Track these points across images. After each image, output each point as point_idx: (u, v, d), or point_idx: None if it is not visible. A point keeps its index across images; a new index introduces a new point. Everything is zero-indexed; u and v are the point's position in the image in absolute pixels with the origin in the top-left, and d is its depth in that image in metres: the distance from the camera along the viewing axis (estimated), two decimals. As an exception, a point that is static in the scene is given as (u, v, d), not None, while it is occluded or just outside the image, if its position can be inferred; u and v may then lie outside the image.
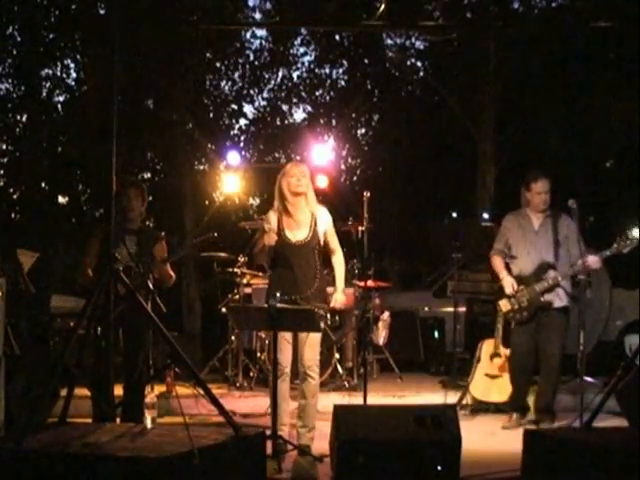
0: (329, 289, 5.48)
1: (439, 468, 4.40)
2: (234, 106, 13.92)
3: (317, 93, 15.24)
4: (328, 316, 7.73)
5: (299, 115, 15.31)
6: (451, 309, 8.53)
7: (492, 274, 6.60)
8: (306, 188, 5.30)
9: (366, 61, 14.93)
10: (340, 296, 5.38)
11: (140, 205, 5.72)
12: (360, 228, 7.25)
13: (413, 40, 13.63)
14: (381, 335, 8.25)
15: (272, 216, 5.34)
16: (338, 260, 5.43)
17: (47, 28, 12.60)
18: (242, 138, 14.46)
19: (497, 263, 6.19)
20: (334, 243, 5.41)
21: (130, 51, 8.99)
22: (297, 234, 5.28)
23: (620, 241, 5.80)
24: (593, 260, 5.87)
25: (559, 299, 6.01)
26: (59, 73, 13.33)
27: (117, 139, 4.52)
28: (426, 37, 13.31)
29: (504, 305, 6.09)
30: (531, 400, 6.21)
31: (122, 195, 5.47)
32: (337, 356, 7.63)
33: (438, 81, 12.92)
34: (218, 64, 13.08)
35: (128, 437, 3.82)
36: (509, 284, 6.01)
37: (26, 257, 6.30)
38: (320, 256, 5.34)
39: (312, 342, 5.22)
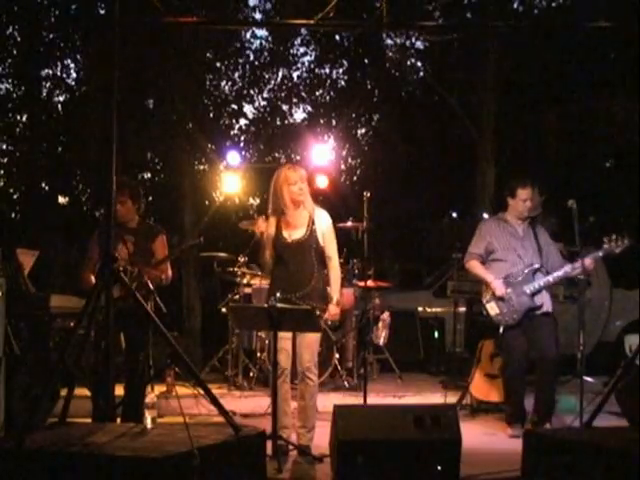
0: (328, 288, 5.48)
1: (439, 468, 4.40)
2: (234, 106, 13.91)
3: (317, 93, 15.23)
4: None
5: (299, 115, 15.32)
6: (451, 309, 8.54)
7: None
8: (305, 192, 5.32)
9: (366, 61, 14.92)
10: (334, 309, 5.33)
11: (129, 207, 5.69)
12: (360, 228, 7.26)
13: (413, 40, 13.61)
14: (381, 335, 8.25)
15: (271, 220, 5.35)
16: (334, 268, 5.38)
17: (47, 28, 12.60)
18: (242, 138, 14.45)
19: (478, 267, 6.13)
20: (331, 249, 5.37)
21: (130, 51, 8.97)
22: (293, 233, 5.29)
23: (610, 241, 5.81)
24: (586, 262, 5.90)
25: (548, 302, 6.02)
26: (59, 73, 13.33)
27: (117, 139, 4.53)
28: (426, 37, 13.31)
29: (492, 308, 6.00)
30: (529, 402, 6.18)
31: None
32: (337, 356, 7.63)
33: (438, 81, 12.91)
34: (218, 64, 13.06)
35: (128, 437, 3.82)
36: (500, 287, 5.95)
37: (26, 256, 6.29)
38: (318, 255, 5.34)
39: (310, 343, 5.22)
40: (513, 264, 6.02)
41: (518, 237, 6.08)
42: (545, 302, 6.00)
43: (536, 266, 6.00)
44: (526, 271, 5.98)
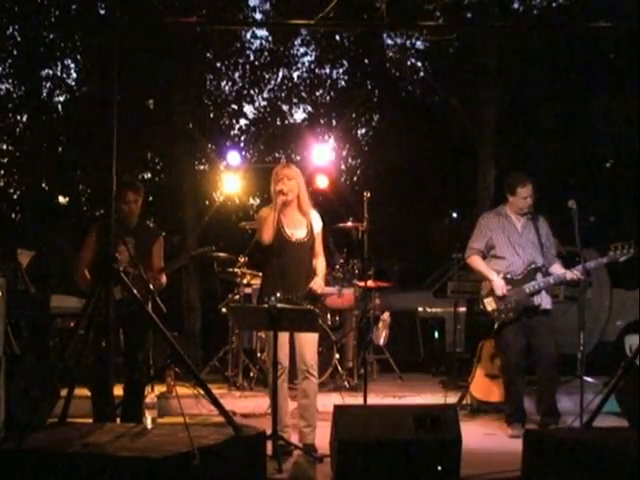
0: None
1: (439, 468, 4.40)
2: (234, 106, 13.91)
3: (317, 93, 15.22)
4: (328, 316, 7.77)
5: (299, 115, 15.31)
6: (451, 309, 8.54)
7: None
8: (296, 189, 5.31)
9: (366, 61, 14.92)
10: (320, 281, 5.39)
11: (139, 205, 5.72)
12: (360, 228, 7.25)
13: (413, 40, 13.60)
14: (381, 335, 8.25)
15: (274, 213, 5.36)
16: (320, 264, 5.48)
17: (47, 28, 12.59)
18: (242, 138, 14.44)
19: (480, 263, 6.13)
20: (319, 247, 5.47)
21: (130, 51, 8.97)
22: (296, 233, 5.33)
23: (616, 249, 5.82)
24: (588, 266, 5.95)
25: (546, 301, 6.02)
26: (59, 73, 13.32)
27: (117, 139, 4.53)
28: (426, 37, 13.29)
29: (489, 304, 6.03)
30: (529, 403, 6.17)
31: (121, 199, 5.46)
32: (337, 356, 7.63)
33: (438, 81, 12.90)
34: (218, 64, 13.06)
35: (128, 437, 3.83)
36: (500, 287, 5.96)
37: (23, 256, 6.30)
38: (312, 257, 5.39)
39: (311, 341, 5.24)
40: (512, 261, 6.02)
41: (517, 233, 6.07)
42: (543, 300, 6.00)
43: (537, 265, 6.00)
44: (527, 270, 5.98)
